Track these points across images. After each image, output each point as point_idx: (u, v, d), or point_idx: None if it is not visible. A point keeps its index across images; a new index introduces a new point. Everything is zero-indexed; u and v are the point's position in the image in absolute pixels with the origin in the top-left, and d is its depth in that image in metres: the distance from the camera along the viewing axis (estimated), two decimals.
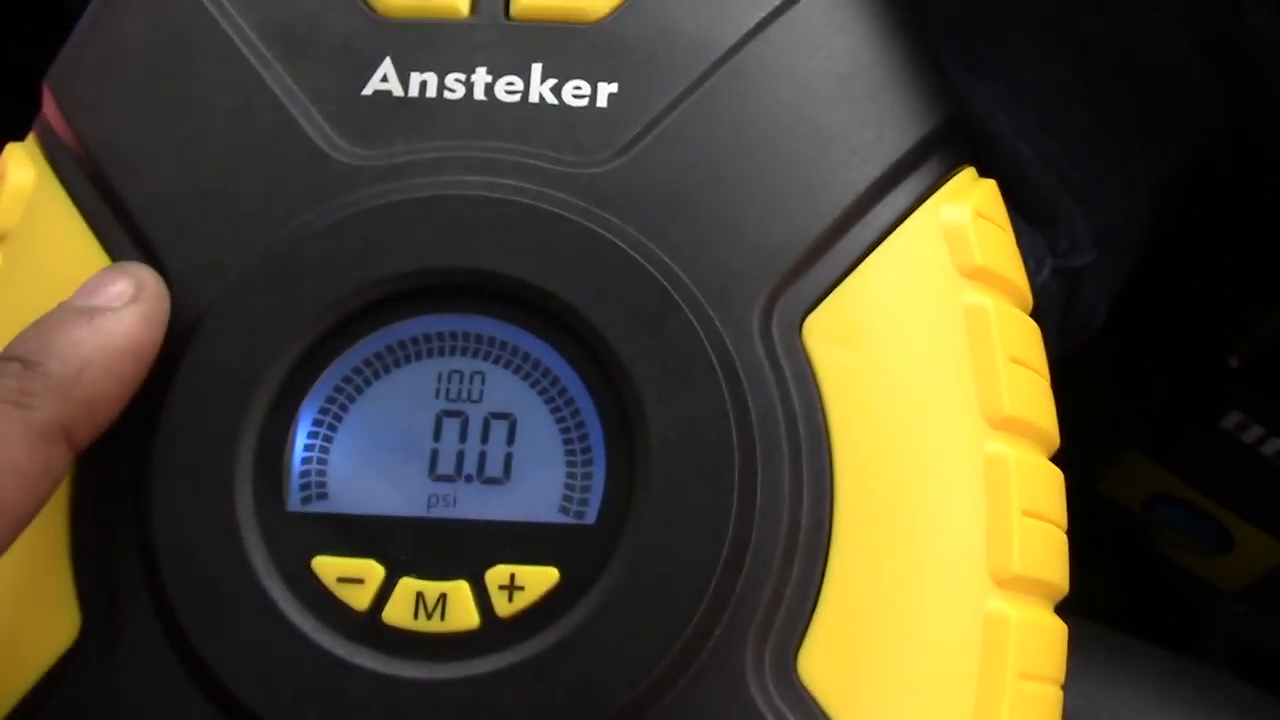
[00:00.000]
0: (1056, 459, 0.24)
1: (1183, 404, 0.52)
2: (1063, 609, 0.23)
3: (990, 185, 0.24)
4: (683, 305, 0.21)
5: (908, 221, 0.23)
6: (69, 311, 0.21)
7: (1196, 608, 0.59)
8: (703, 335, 0.21)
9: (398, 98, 0.23)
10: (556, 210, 0.21)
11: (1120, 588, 0.59)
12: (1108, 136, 0.43)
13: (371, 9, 0.23)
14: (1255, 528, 0.54)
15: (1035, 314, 0.38)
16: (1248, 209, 0.53)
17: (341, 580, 0.20)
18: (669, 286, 0.21)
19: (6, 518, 0.19)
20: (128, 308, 0.21)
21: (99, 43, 0.24)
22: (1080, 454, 0.60)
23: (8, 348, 0.20)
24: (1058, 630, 0.22)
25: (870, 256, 0.22)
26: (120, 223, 0.22)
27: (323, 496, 0.21)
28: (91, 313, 0.21)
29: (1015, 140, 0.38)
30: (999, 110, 0.39)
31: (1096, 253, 0.40)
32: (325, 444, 0.21)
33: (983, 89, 0.39)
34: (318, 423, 0.21)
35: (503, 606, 0.20)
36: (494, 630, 0.20)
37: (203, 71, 0.23)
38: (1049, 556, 0.22)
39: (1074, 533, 0.59)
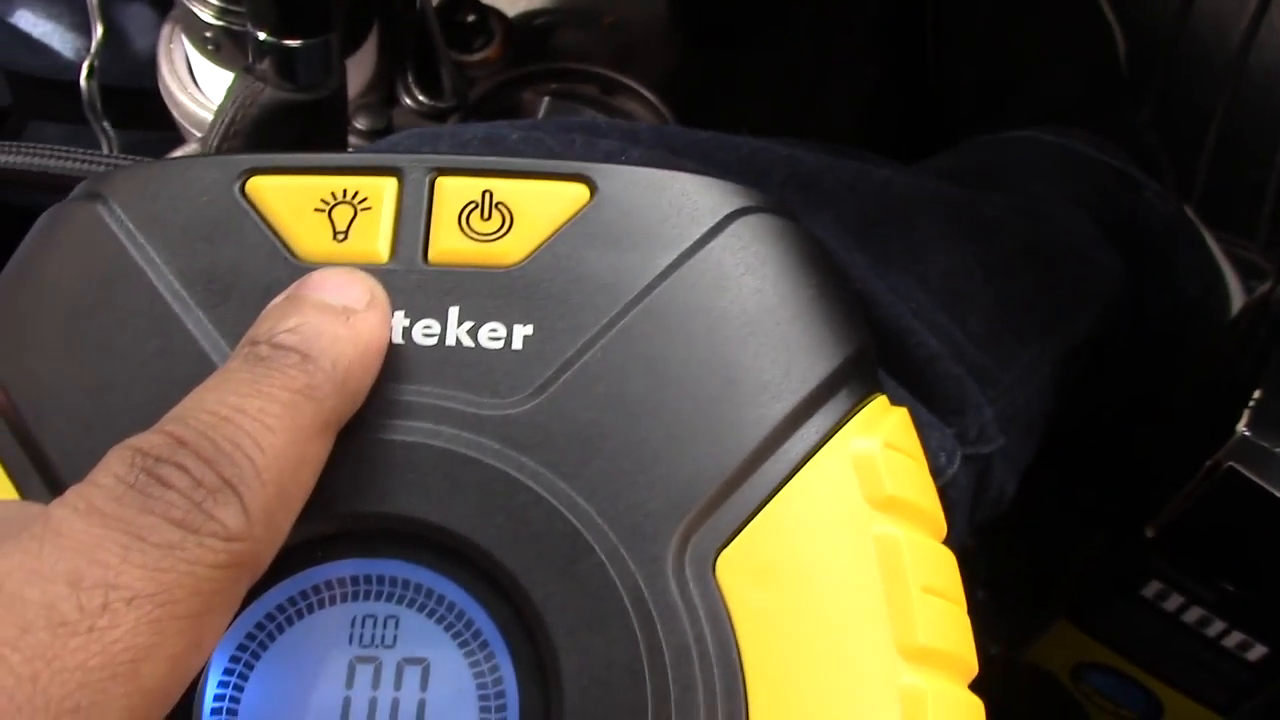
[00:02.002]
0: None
1: (1104, 573, 0.53)
2: None
3: (900, 414, 0.25)
4: (595, 547, 0.21)
5: (818, 455, 0.23)
6: (323, 309, 0.22)
7: None
8: (615, 577, 0.21)
9: None
10: (470, 454, 0.22)
11: None
12: (1012, 319, 0.45)
13: (293, 255, 0.24)
14: (1183, 695, 0.55)
15: (947, 507, 0.39)
16: (1147, 380, 0.54)
17: None
18: (581, 528, 0.21)
19: (300, 500, 0.20)
20: (370, 310, 0.22)
21: (22, 287, 0.24)
22: (1009, 623, 0.61)
23: (266, 332, 0.21)
24: None
25: (782, 491, 0.23)
26: (35, 467, 0.22)
27: None
28: (346, 312, 0.22)
29: (922, 334, 0.39)
30: (906, 302, 0.40)
31: (1004, 436, 0.41)
32: (236, 693, 0.21)
33: (892, 280, 0.41)
34: (229, 671, 0.21)
35: None
36: None
37: (125, 318, 0.23)
38: None
39: (1005, 702, 0.59)
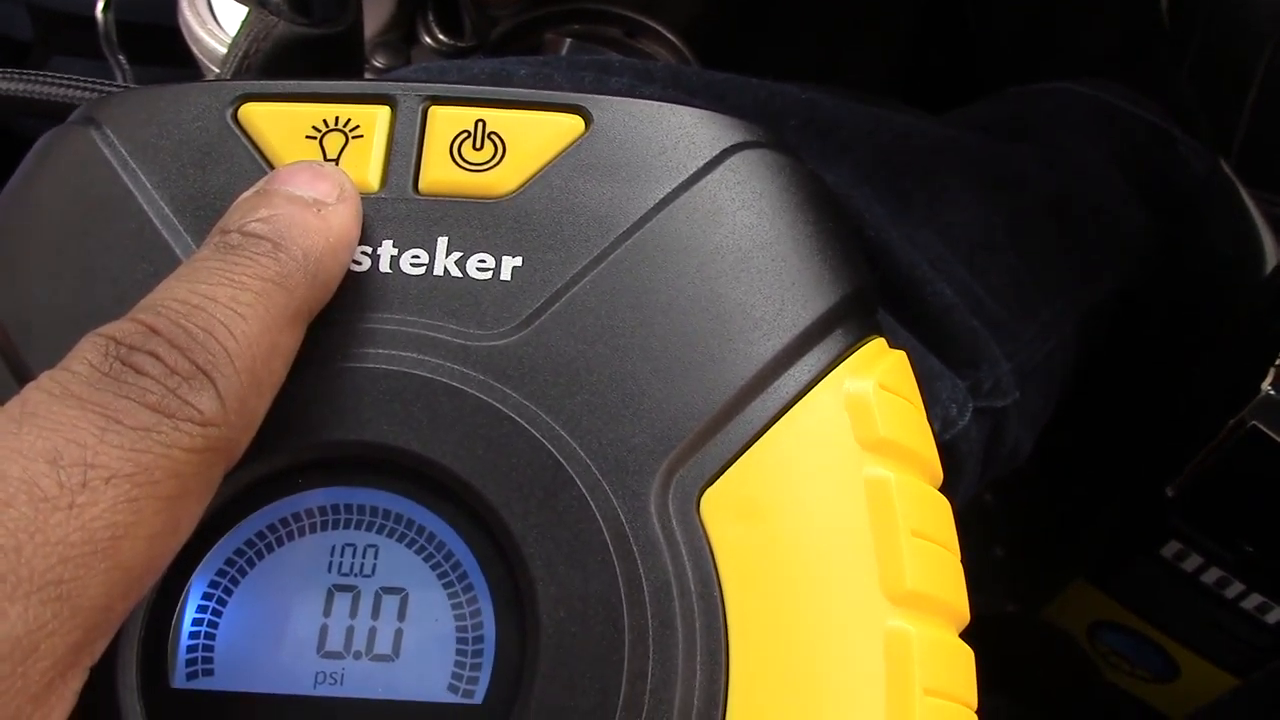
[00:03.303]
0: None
1: (1124, 532, 0.53)
2: None
3: (898, 357, 0.25)
4: (576, 480, 0.21)
5: (810, 394, 0.23)
6: (293, 200, 0.22)
7: None
8: (596, 511, 0.21)
9: None
10: (454, 384, 0.22)
11: (1067, 714, 0.59)
12: (1035, 274, 0.44)
13: None
14: (1199, 656, 0.54)
15: (958, 459, 0.39)
16: (1175, 339, 0.53)
17: None
18: (563, 461, 0.21)
19: (272, 389, 0.20)
20: (341, 203, 0.22)
21: (16, 210, 0.24)
22: (1027, 581, 0.60)
23: (237, 221, 0.21)
24: None
25: (771, 430, 0.22)
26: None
27: (209, 673, 0.21)
28: (317, 204, 0.22)
29: (939, 283, 0.38)
30: (926, 252, 0.40)
31: (1020, 391, 0.41)
32: (214, 618, 0.21)
33: (910, 230, 0.40)
34: (207, 596, 0.21)
35: None
36: None
37: (115, 242, 0.23)
38: None
39: (1021, 659, 0.58)
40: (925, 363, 0.38)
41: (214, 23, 0.51)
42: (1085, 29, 0.65)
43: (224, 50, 0.50)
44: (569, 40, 0.53)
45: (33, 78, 0.35)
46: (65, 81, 0.35)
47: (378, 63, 0.50)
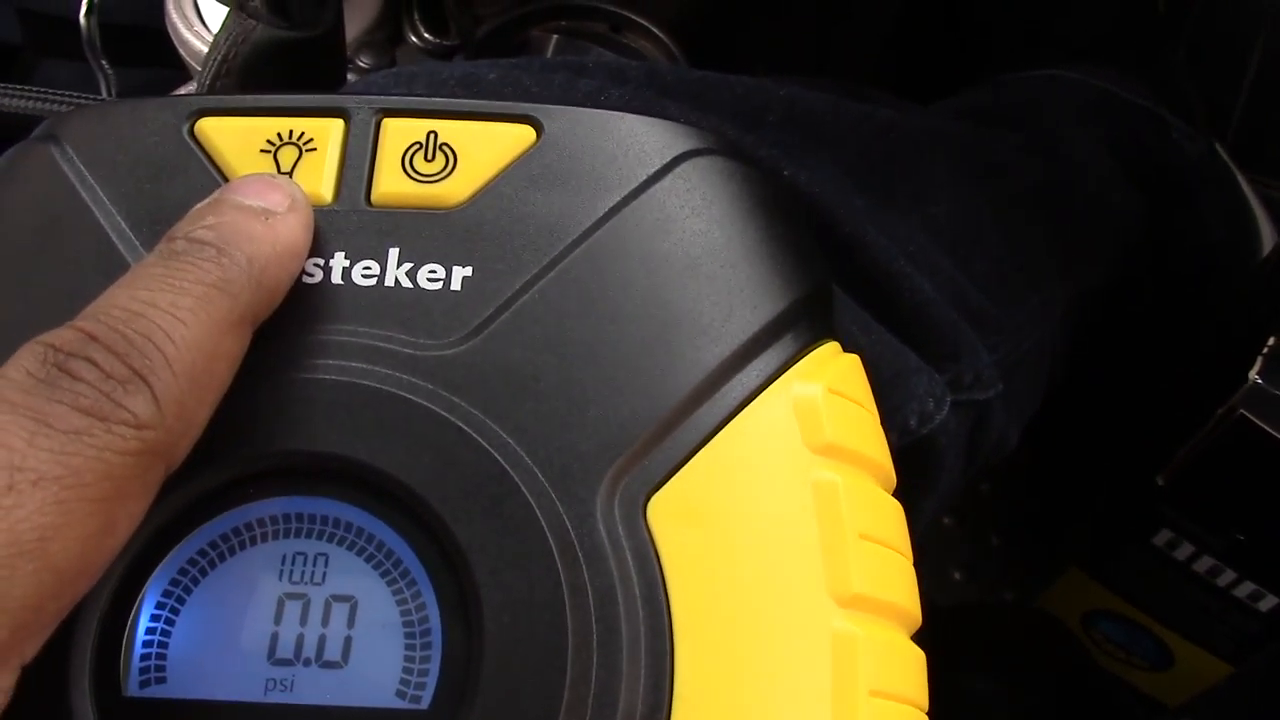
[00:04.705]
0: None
1: (1117, 521, 0.53)
2: None
3: (850, 360, 0.25)
4: (522, 487, 0.21)
5: (758, 399, 0.23)
6: (241, 209, 0.22)
7: None
8: (540, 517, 0.21)
9: None
10: (402, 394, 0.22)
11: (1062, 703, 0.59)
12: (1021, 262, 0.44)
13: None
14: (1193, 644, 0.54)
15: (938, 452, 0.39)
16: (1167, 326, 0.53)
17: None
18: (509, 468, 0.21)
19: (215, 393, 0.20)
20: (290, 213, 0.23)
21: None
22: (1022, 569, 0.60)
23: (187, 229, 0.22)
24: None
25: (718, 435, 0.22)
26: None
27: (161, 681, 0.21)
28: (265, 213, 0.22)
29: (915, 279, 0.38)
30: (906, 244, 0.40)
31: (1005, 382, 0.41)
32: (167, 627, 0.21)
33: (892, 222, 0.40)
34: (160, 605, 0.21)
35: None
36: None
37: (72, 258, 0.23)
38: None
39: (1015, 647, 0.58)
40: (902, 358, 0.38)
41: (200, 25, 0.51)
42: (1078, 12, 0.65)
43: None
44: (555, 37, 0.53)
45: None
46: (29, 94, 0.36)
47: (363, 62, 0.50)
